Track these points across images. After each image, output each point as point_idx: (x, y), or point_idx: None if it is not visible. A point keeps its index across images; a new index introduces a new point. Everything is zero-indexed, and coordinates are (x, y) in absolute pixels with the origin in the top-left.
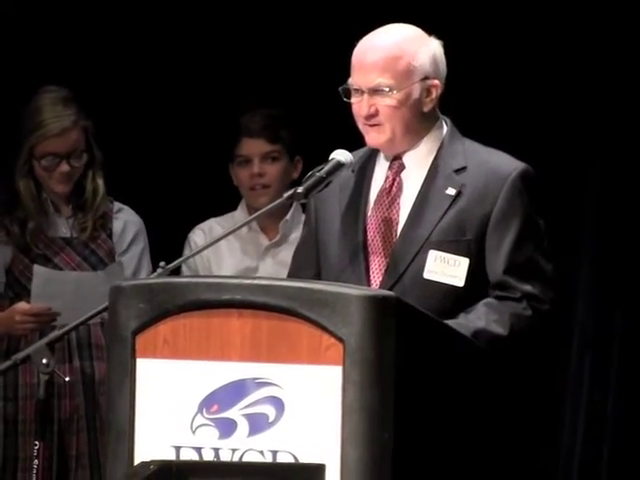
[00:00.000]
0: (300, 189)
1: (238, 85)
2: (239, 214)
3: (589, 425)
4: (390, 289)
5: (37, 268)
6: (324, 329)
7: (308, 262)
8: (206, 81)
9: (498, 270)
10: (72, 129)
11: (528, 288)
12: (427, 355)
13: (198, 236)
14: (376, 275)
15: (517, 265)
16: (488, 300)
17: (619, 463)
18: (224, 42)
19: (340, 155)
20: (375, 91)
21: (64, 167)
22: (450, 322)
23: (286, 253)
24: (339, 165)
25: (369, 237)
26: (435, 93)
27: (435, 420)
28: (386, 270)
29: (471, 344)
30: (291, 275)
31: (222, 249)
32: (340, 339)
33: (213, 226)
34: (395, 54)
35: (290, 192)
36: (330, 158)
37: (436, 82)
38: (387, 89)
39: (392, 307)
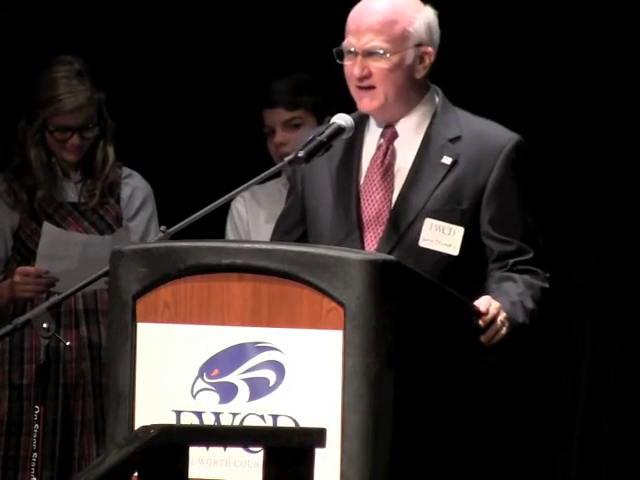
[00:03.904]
0: (301, 153)
1: (252, 51)
2: (280, 181)
3: (589, 398)
4: None
5: (46, 226)
6: (325, 293)
7: (294, 228)
8: (220, 48)
9: (503, 239)
10: (86, 105)
11: (535, 256)
12: (428, 319)
13: (239, 203)
14: (371, 244)
15: (520, 233)
16: (523, 277)
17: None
18: (233, 9)
19: (341, 119)
20: (369, 53)
21: (75, 139)
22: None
23: None
24: (340, 129)
25: (363, 206)
26: (428, 61)
27: (436, 384)
28: (381, 238)
29: (471, 308)
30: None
31: (261, 215)
32: (341, 303)
33: (254, 192)
34: (391, 18)
35: (291, 156)
36: (331, 122)
37: (430, 49)
38: (381, 51)
39: (393, 271)
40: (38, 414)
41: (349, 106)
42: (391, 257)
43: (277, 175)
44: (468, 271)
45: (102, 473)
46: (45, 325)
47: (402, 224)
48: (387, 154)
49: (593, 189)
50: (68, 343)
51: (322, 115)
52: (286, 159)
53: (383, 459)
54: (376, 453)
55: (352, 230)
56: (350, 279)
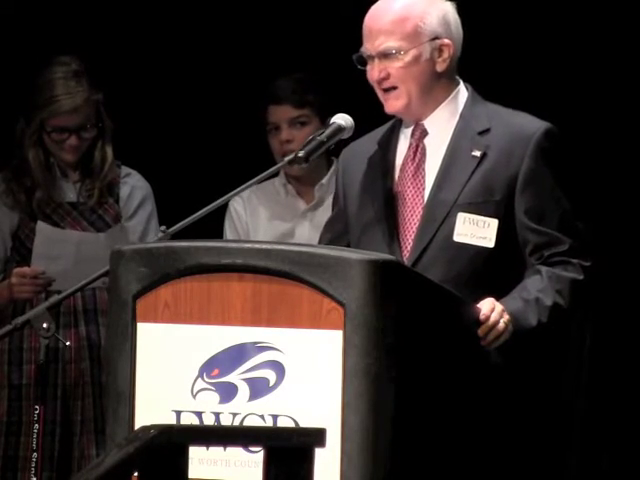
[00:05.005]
0: (301, 153)
1: (253, 51)
2: (278, 181)
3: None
4: (421, 254)
5: (40, 224)
6: (325, 293)
7: (341, 236)
8: (219, 47)
9: (538, 230)
10: (83, 106)
11: (572, 246)
12: (428, 319)
13: (237, 203)
14: (406, 242)
15: (557, 222)
16: (552, 270)
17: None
18: (233, 7)
19: (340, 119)
20: (384, 55)
21: (73, 140)
22: (522, 300)
23: (323, 216)
24: (340, 129)
25: (397, 206)
26: (448, 53)
27: (436, 384)
28: (416, 236)
29: (471, 309)
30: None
31: (260, 214)
32: (341, 303)
33: (253, 191)
34: (401, 16)
35: (291, 156)
36: (331, 122)
37: (447, 41)
38: (394, 51)
39: (393, 271)
40: (38, 414)
41: (352, 107)
42: (391, 257)
43: (275, 175)
44: (506, 263)
45: (102, 473)
46: (45, 325)
47: (436, 220)
48: (417, 152)
49: (592, 190)
50: (68, 343)
51: (326, 115)
52: (286, 159)
53: (383, 459)
54: (376, 453)
55: (386, 225)
56: (350, 279)
